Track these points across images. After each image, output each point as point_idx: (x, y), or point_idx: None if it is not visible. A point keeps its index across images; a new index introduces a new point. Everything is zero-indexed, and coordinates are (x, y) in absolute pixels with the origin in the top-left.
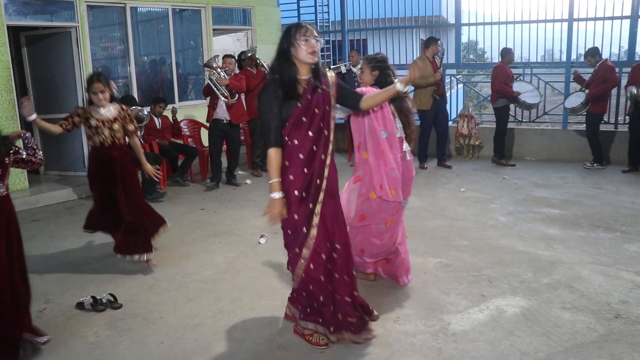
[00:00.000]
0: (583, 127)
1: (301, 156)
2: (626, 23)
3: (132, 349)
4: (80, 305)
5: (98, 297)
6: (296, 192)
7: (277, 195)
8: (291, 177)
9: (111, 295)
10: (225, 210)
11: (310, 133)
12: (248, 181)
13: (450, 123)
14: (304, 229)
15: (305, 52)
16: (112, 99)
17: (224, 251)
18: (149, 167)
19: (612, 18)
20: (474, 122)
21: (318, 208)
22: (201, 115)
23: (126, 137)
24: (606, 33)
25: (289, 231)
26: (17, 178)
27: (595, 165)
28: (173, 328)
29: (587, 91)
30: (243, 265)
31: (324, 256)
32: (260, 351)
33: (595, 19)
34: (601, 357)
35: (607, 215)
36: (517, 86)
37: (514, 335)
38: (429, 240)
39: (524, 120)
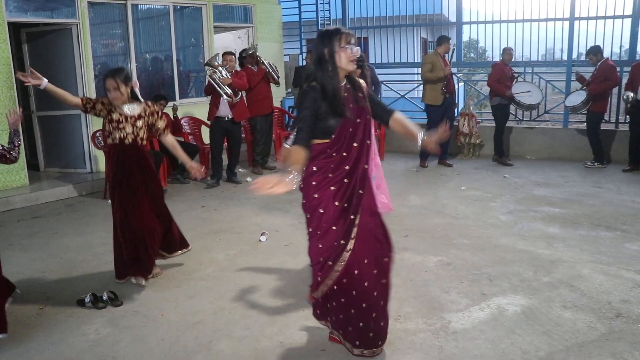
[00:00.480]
0: (584, 126)
1: (347, 167)
2: (627, 22)
3: (133, 347)
4: (80, 303)
5: (98, 295)
6: (337, 203)
7: (295, 184)
8: (333, 188)
9: (112, 292)
10: (225, 207)
11: (355, 144)
12: (249, 179)
13: None
14: (342, 241)
15: (347, 60)
16: (135, 98)
17: (224, 249)
18: (192, 165)
19: (614, 17)
20: (475, 120)
21: (358, 219)
22: (201, 113)
23: (143, 139)
24: (607, 32)
25: (319, 245)
26: (17, 175)
27: (595, 164)
28: (174, 325)
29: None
30: (244, 263)
31: (356, 272)
32: (261, 349)
33: (596, 18)
34: (602, 356)
35: (607, 214)
36: (518, 86)
37: (514, 333)
38: (429, 238)
39: (524, 119)
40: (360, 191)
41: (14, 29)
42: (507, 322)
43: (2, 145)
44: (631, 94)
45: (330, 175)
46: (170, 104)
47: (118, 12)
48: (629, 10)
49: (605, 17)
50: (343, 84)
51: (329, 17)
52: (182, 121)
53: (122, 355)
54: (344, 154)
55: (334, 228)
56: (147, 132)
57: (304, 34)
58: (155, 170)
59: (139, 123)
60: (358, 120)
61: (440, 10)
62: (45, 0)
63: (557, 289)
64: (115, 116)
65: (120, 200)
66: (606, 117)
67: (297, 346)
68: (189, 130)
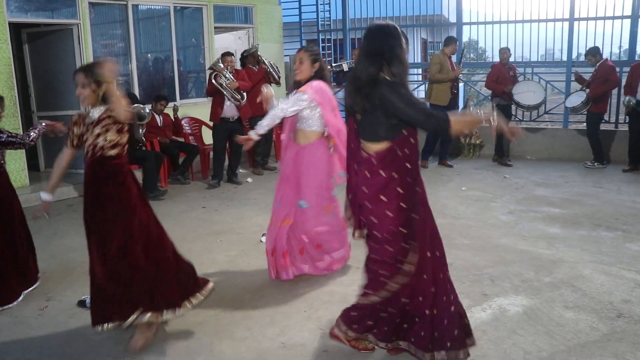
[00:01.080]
0: (583, 126)
1: (409, 166)
2: (627, 23)
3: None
4: (82, 303)
5: None
6: (403, 204)
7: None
8: (400, 189)
9: None
10: (226, 208)
11: (412, 140)
12: (249, 179)
13: None
14: (410, 241)
15: None
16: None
17: (225, 250)
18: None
19: (613, 18)
20: None
21: (417, 215)
22: (202, 113)
23: (109, 149)
24: (607, 33)
25: (390, 249)
26: (18, 175)
27: (595, 164)
28: (175, 326)
29: (587, 90)
30: (245, 264)
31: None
32: (263, 350)
33: (595, 18)
34: (604, 356)
35: (608, 214)
36: (520, 86)
37: (516, 334)
38: None
39: (524, 119)
40: (417, 188)
41: (15, 29)
42: (508, 323)
43: (10, 132)
44: (633, 100)
45: (395, 175)
46: (171, 104)
47: (119, 12)
48: (628, 11)
49: (604, 18)
50: None
51: (330, 17)
52: (183, 122)
53: (123, 356)
54: (406, 150)
55: (403, 230)
56: (117, 138)
57: (304, 35)
58: (137, 191)
59: (97, 130)
60: None
61: (440, 11)
62: (46, 1)
63: (558, 289)
64: (80, 129)
65: (95, 237)
66: (606, 118)
67: (299, 347)
68: (189, 131)
